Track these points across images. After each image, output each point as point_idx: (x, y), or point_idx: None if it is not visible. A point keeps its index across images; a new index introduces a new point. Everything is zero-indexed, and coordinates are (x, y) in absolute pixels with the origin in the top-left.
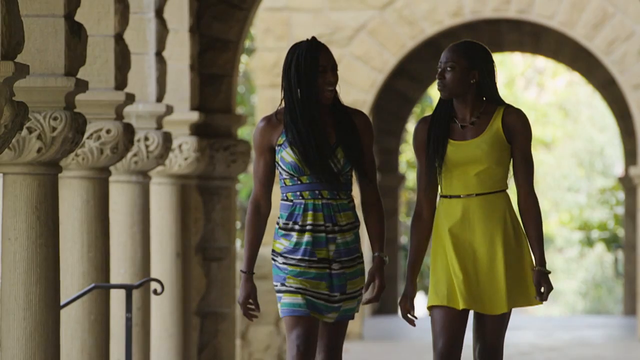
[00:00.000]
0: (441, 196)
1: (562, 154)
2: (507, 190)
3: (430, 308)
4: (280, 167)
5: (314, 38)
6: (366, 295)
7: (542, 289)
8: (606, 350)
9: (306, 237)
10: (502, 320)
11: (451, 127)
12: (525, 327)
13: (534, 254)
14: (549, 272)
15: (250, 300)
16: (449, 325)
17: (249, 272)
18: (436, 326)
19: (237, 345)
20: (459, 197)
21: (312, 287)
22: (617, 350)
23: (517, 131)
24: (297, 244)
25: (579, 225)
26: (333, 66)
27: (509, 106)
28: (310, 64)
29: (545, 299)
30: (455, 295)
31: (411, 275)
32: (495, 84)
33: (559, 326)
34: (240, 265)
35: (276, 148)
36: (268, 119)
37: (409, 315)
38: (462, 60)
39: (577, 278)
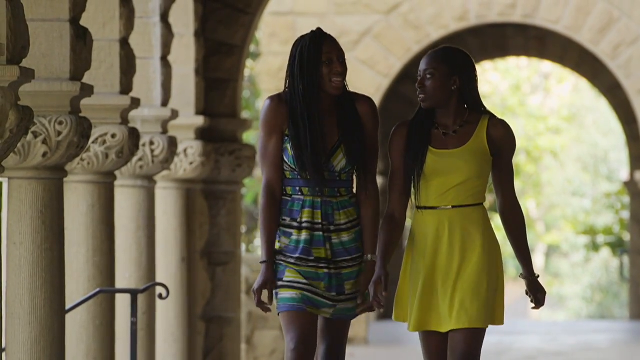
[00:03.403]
0: (417, 207)
1: (567, 158)
2: (485, 204)
3: (421, 332)
4: (283, 158)
5: (318, 29)
6: (360, 306)
7: (539, 296)
8: (612, 355)
9: (303, 235)
10: (474, 335)
11: (432, 133)
12: (530, 331)
13: (521, 264)
14: (538, 276)
15: (266, 290)
16: (439, 348)
17: (270, 260)
18: (426, 350)
19: (242, 350)
20: (434, 208)
21: (309, 283)
22: (622, 355)
23: (504, 145)
24: (297, 242)
25: (584, 230)
26: (339, 55)
27: (493, 116)
28: (313, 55)
29: (543, 304)
30: (436, 317)
31: (383, 262)
32: (477, 90)
33: (565, 331)
34: (245, 270)
35: (284, 137)
36: (279, 98)
37: (379, 296)
38: (441, 66)
39: (582, 283)
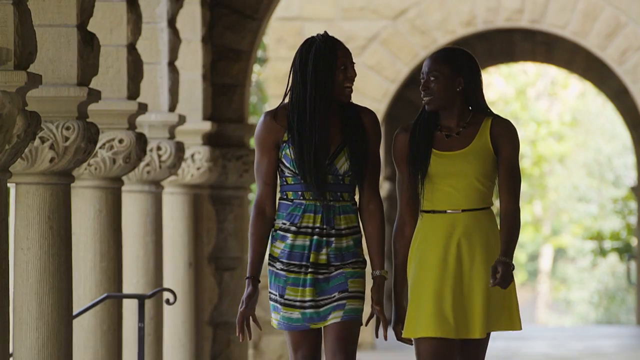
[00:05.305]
0: (423, 211)
1: (573, 164)
2: (492, 209)
3: (415, 339)
4: (284, 164)
5: (326, 33)
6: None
7: (498, 274)
8: None
9: (301, 240)
10: (482, 343)
11: (435, 135)
12: (537, 337)
13: (501, 245)
14: (513, 267)
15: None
16: (438, 356)
17: (252, 277)
18: (422, 358)
19: (249, 355)
20: (444, 212)
21: (303, 296)
22: None
23: (504, 141)
24: (293, 247)
25: (591, 235)
26: (351, 61)
27: (497, 117)
28: (329, 61)
29: (499, 284)
30: (441, 324)
31: (399, 297)
32: (481, 91)
33: (572, 336)
34: None
35: (281, 145)
36: (273, 114)
37: (404, 338)
38: (444, 68)
39: (589, 288)
